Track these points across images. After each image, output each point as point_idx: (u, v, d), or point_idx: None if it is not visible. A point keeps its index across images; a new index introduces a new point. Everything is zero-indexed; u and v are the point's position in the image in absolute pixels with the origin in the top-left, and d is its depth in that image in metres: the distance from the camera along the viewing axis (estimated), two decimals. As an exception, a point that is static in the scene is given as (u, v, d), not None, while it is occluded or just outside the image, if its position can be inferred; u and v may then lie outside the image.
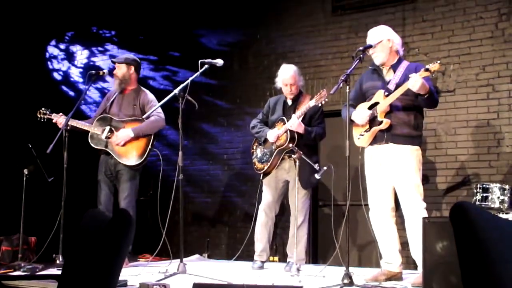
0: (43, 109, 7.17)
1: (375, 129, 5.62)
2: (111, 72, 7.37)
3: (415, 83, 5.27)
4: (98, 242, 2.53)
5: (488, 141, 7.29)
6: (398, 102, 5.53)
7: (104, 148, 6.98)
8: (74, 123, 7.03)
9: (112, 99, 7.24)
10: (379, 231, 5.75)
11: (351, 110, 5.82)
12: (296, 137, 6.57)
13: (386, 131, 5.58)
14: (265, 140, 6.90)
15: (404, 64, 5.72)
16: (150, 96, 7.23)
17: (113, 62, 7.31)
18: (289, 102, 6.87)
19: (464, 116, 7.40)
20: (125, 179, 6.96)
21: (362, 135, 5.76)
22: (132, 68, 7.22)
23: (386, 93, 5.54)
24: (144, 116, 6.85)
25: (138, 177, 7.07)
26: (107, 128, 7.01)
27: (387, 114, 5.57)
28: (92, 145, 7.03)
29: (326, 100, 6.45)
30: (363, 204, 5.86)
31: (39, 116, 7.16)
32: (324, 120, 6.86)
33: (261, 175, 6.91)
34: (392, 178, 5.62)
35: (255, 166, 6.98)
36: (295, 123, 6.51)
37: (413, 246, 5.46)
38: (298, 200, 6.43)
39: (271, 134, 6.76)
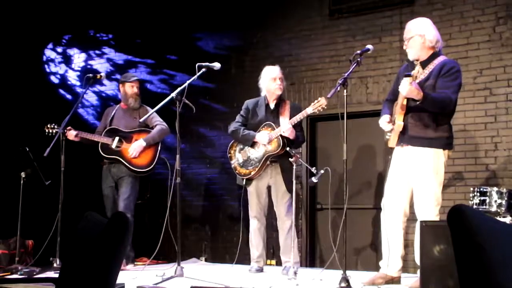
0: (49, 124, 7.25)
1: (395, 131, 5.55)
2: (108, 76, 7.45)
3: (403, 88, 5.25)
4: (95, 245, 2.53)
5: (486, 145, 7.29)
6: (416, 103, 5.34)
7: (116, 157, 7.12)
8: (84, 135, 7.23)
9: (112, 115, 7.40)
10: (386, 233, 5.65)
11: (383, 112, 5.78)
12: (286, 142, 6.59)
13: (404, 134, 5.47)
14: (252, 144, 6.84)
15: (437, 61, 5.50)
16: (148, 108, 7.39)
17: (123, 82, 7.53)
18: (272, 106, 6.86)
19: (462, 119, 7.39)
20: (127, 182, 7.18)
21: (389, 136, 5.68)
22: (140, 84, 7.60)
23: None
24: (140, 120, 6.95)
25: (139, 180, 7.25)
26: (116, 138, 7.18)
27: (406, 115, 5.45)
28: (103, 154, 7.17)
29: (325, 108, 6.43)
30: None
31: (47, 131, 7.24)
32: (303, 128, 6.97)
33: (244, 180, 6.90)
34: (410, 181, 5.54)
35: (237, 171, 6.92)
36: (290, 129, 6.53)
37: (417, 251, 5.39)
38: (284, 204, 6.59)
39: (263, 137, 6.69)
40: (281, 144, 6.54)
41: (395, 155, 5.68)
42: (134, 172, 7.14)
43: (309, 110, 6.48)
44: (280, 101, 6.84)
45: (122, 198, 7.13)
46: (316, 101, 6.45)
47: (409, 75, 5.20)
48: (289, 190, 6.56)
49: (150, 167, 7.20)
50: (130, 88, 7.42)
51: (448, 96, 5.34)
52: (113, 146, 7.17)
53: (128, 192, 7.15)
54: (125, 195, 7.14)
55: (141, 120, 6.93)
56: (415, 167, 5.45)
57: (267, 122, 6.74)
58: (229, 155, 7.05)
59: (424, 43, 5.53)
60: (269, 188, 6.84)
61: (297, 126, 6.68)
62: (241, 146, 6.91)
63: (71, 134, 7.12)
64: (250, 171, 6.75)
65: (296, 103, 7.07)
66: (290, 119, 6.59)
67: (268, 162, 6.70)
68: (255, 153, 6.76)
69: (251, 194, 6.90)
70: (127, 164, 7.13)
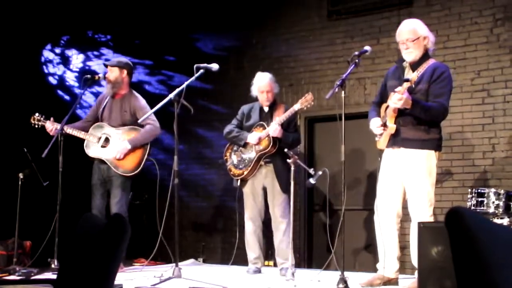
0: (37, 114, 7.13)
1: (386, 133, 5.56)
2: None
3: (397, 103, 5.25)
4: (94, 246, 2.53)
5: (483, 146, 7.30)
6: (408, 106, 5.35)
7: (100, 157, 6.96)
8: (70, 130, 6.99)
9: (104, 104, 7.21)
10: (380, 234, 5.65)
11: (372, 115, 5.77)
12: (277, 141, 6.61)
13: (396, 136, 5.48)
14: (245, 144, 6.88)
15: (426, 64, 5.50)
16: (142, 102, 7.18)
17: (106, 65, 7.24)
18: (266, 109, 6.90)
19: (459, 121, 7.41)
20: (117, 184, 6.93)
21: (379, 138, 5.71)
22: (125, 72, 7.15)
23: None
24: (139, 121, 6.79)
25: (130, 182, 7.05)
26: (103, 136, 6.99)
27: (398, 117, 5.46)
28: (88, 153, 7.01)
29: (312, 103, 6.47)
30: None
31: (33, 122, 7.10)
32: (298, 128, 6.93)
33: (238, 181, 6.91)
34: (403, 182, 5.55)
35: (232, 172, 6.95)
36: (277, 129, 6.55)
37: (413, 252, 5.41)
38: (279, 206, 6.60)
39: (253, 137, 6.75)
40: (272, 142, 6.58)
41: (385, 157, 5.71)
42: (120, 175, 6.93)
43: (296, 107, 6.52)
44: (274, 103, 6.89)
45: (114, 202, 6.92)
46: (303, 97, 6.49)
47: (407, 80, 5.20)
48: (284, 190, 6.60)
49: (136, 170, 6.93)
50: (110, 73, 7.13)
51: (442, 105, 5.40)
52: (99, 145, 6.99)
53: (119, 195, 6.91)
54: (116, 198, 6.92)
55: (139, 120, 6.81)
56: (408, 169, 5.47)
57: (259, 122, 6.78)
58: (225, 157, 7.08)
59: (427, 45, 5.57)
60: (264, 189, 6.86)
61: (291, 127, 6.74)
62: (236, 148, 6.94)
63: (49, 128, 6.99)
64: (243, 171, 6.79)
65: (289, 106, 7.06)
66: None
67: (262, 163, 6.74)
68: (248, 153, 6.79)
69: (247, 195, 6.93)
70: (112, 167, 6.91)
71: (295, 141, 6.83)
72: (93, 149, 7.00)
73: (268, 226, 6.99)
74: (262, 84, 6.85)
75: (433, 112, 5.38)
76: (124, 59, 7.57)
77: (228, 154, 7.06)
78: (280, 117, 6.62)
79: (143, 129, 6.95)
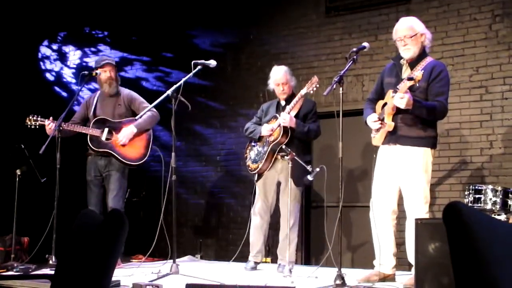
0: (31, 115, 7.05)
1: (383, 130, 5.57)
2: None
3: (400, 103, 5.25)
4: (92, 242, 2.53)
5: (481, 143, 7.30)
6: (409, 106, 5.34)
7: (107, 150, 6.96)
8: (71, 127, 6.98)
9: (94, 104, 7.21)
10: (376, 231, 5.64)
11: (368, 112, 5.77)
12: (289, 131, 6.55)
13: (393, 133, 5.48)
14: (260, 138, 6.87)
15: (424, 62, 5.49)
16: (134, 92, 7.28)
17: (97, 68, 7.14)
18: (283, 102, 6.86)
19: (457, 117, 7.41)
20: (115, 179, 6.98)
21: (375, 134, 5.70)
22: (115, 68, 7.27)
23: (393, 95, 5.38)
24: (140, 114, 6.81)
25: (127, 177, 7.07)
26: (106, 129, 6.98)
27: (395, 115, 5.45)
28: (94, 148, 7.00)
29: (318, 86, 6.47)
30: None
31: (29, 123, 7.01)
32: (318, 119, 6.84)
33: (256, 176, 6.88)
34: (398, 179, 5.56)
35: (249, 168, 6.93)
36: (287, 117, 6.50)
37: (409, 248, 5.41)
38: (290, 201, 6.41)
39: (265, 128, 6.74)
40: (282, 132, 6.53)
41: (381, 153, 5.71)
42: (127, 165, 6.99)
43: (303, 91, 6.53)
44: (291, 96, 6.83)
45: (111, 197, 6.97)
46: (309, 81, 6.49)
47: (411, 79, 5.18)
48: (296, 184, 6.44)
49: (143, 159, 7.03)
50: (103, 73, 7.11)
51: (443, 104, 5.41)
52: (103, 138, 6.97)
53: (116, 189, 6.97)
54: (113, 192, 6.96)
55: (137, 117, 6.84)
56: (405, 166, 5.48)
57: (274, 115, 6.77)
58: (245, 155, 7.06)
59: (424, 42, 5.56)
60: (278, 184, 6.81)
61: (309, 118, 6.71)
62: (253, 143, 6.94)
63: (50, 127, 6.90)
64: (258, 164, 6.75)
65: (308, 97, 6.97)
66: (300, 112, 6.62)
67: (279, 157, 6.65)
68: (262, 146, 6.77)
69: (259, 189, 6.89)
70: (119, 158, 6.95)
71: (311, 131, 6.68)
72: (98, 143, 6.98)
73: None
74: (277, 76, 6.81)
75: (435, 112, 5.41)
76: (106, 57, 7.62)
77: (247, 151, 7.04)
78: (289, 105, 6.60)
79: (145, 115, 6.97)
